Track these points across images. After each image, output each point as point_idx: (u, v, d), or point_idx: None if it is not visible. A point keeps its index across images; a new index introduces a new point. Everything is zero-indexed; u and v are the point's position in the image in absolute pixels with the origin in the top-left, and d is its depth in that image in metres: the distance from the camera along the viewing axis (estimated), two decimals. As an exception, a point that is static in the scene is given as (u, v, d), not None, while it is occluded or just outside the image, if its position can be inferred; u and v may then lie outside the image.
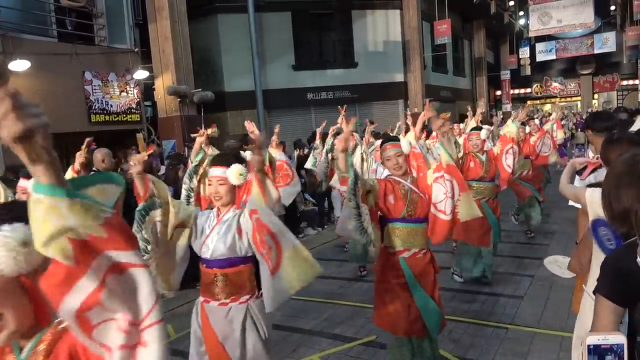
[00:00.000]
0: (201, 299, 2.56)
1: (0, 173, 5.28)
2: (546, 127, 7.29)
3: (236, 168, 2.51)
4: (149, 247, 2.29)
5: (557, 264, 2.95)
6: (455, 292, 4.94)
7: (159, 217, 2.34)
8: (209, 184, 2.55)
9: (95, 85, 8.66)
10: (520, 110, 5.85)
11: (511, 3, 24.04)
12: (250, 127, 3.63)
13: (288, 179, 4.53)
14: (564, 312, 4.09)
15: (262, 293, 2.46)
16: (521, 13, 25.59)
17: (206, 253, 2.48)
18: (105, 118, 8.82)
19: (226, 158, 2.61)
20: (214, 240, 2.46)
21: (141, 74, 9.34)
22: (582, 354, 1.17)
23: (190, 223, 2.48)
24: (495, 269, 5.20)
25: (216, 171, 2.52)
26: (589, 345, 1.16)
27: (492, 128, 5.96)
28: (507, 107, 26.23)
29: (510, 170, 5.13)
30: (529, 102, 30.39)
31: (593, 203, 2.22)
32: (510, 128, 5.28)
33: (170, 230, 2.40)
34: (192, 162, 3.77)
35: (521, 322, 4.12)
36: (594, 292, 1.53)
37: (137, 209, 2.31)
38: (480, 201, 4.89)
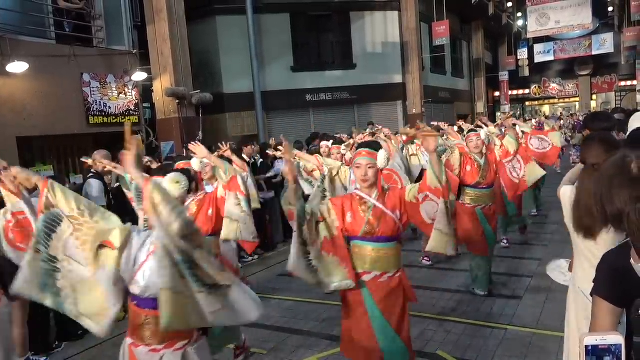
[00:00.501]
0: (129, 340, 2.15)
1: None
2: (525, 128, 6.58)
3: (172, 178, 2.14)
4: (58, 266, 1.98)
5: (560, 270, 2.80)
6: (454, 292, 4.94)
7: (69, 232, 1.99)
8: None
9: (93, 87, 8.65)
10: (504, 117, 5.53)
11: (509, 4, 24.11)
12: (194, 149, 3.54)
13: None
14: (563, 313, 4.08)
15: (200, 335, 2.19)
16: (519, 14, 25.66)
17: (137, 289, 2.03)
18: (103, 120, 8.80)
19: (163, 169, 2.26)
20: (146, 274, 2.00)
21: (139, 76, 9.33)
22: (580, 355, 1.16)
23: (118, 243, 2.00)
24: (494, 270, 5.20)
25: None
26: (586, 346, 1.15)
27: (486, 130, 5.73)
28: (506, 108, 26.28)
29: (517, 181, 4.87)
30: (527, 103, 30.52)
31: (565, 201, 2.31)
32: (510, 143, 4.96)
33: (91, 249, 2.00)
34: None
35: (520, 323, 4.13)
36: (591, 294, 1.53)
37: (38, 223, 2.03)
38: (476, 209, 4.69)
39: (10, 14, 7.75)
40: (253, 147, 7.56)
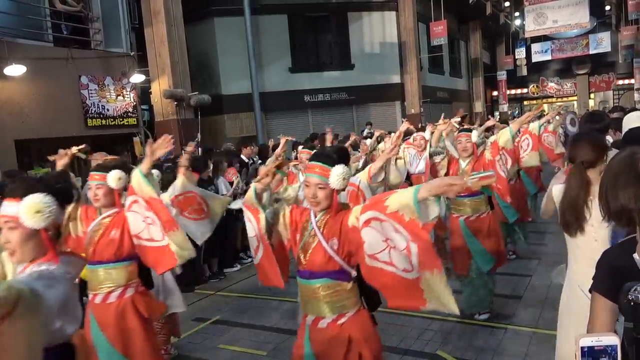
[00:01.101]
0: None
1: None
2: (531, 128, 6.11)
3: (32, 201, 1.58)
4: None
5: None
6: (454, 292, 4.92)
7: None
8: None
9: (91, 90, 8.65)
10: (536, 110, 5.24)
11: (507, 4, 24.11)
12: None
13: (202, 214, 3.52)
14: (562, 312, 4.09)
15: None
16: (517, 14, 25.67)
17: None
18: (101, 122, 8.80)
19: (23, 186, 1.64)
20: None
21: (137, 78, 9.33)
22: (576, 356, 1.16)
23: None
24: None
25: (5, 207, 1.61)
26: (582, 347, 1.15)
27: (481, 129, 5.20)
28: (504, 107, 26.31)
29: (505, 176, 4.38)
30: (525, 102, 30.54)
31: (557, 199, 2.45)
32: (503, 134, 4.31)
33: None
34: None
35: (519, 323, 4.13)
36: (590, 291, 1.54)
37: None
38: (459, 220, 4.17)
39: (7, 17, 7.75)
40: (252, 148, 7.56)
